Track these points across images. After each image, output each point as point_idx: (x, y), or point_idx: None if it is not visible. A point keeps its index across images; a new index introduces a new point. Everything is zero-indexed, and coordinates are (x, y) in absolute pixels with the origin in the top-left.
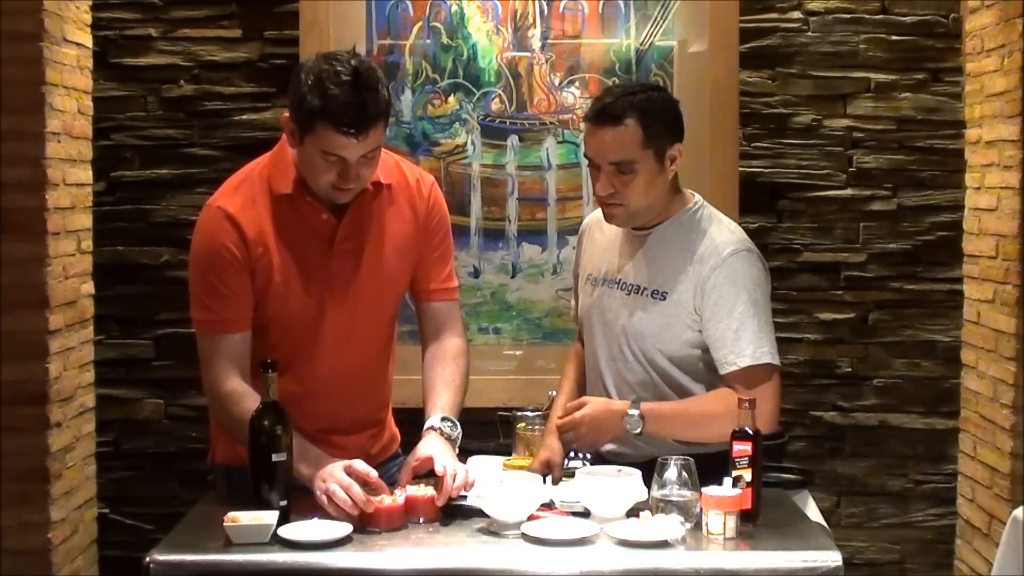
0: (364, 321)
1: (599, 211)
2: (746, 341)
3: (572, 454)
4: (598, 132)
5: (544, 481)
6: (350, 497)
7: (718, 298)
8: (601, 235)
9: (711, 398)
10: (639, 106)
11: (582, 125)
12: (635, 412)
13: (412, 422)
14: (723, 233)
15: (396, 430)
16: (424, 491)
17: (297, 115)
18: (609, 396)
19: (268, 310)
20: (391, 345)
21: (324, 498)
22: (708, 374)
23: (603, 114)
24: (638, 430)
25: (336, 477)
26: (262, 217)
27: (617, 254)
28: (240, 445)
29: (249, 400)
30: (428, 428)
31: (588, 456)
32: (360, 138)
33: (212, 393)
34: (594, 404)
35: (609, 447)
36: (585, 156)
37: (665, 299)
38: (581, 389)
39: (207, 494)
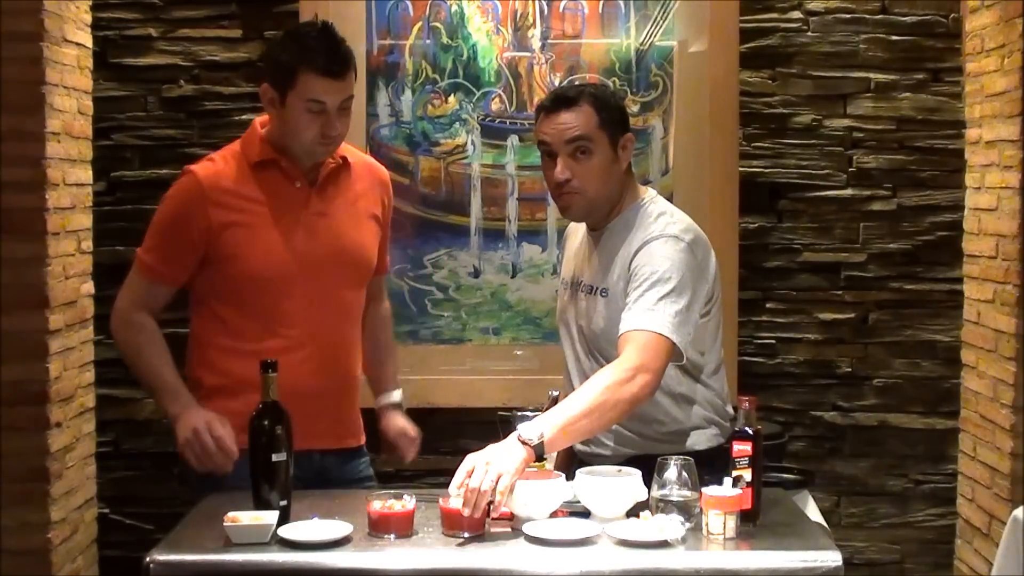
0: (336, 286)
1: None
2: (641, 309)
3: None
4: (554, 115)
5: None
6: (209, 454)
7: (634, 275)
8: (575, 239)
9: (593, 384)
10: (591, 93)
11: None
12: (529, 425)
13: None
14: (659, 223)
15: (361, 425)
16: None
17: (277, 75)
18: None
19: (245, 268)
20: (360, 317)
21: (187, 448)
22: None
23: (558, 99)
24: (536, 435)
25: (201, 431)
26: (236, 184)
27: (581, 257)
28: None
29: (151, 334)
30: (394, 404)
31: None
32: (339, 79)
33: (121, 316)
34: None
35: (581, 447)
36: (540, 146)
37: (607, 295)
38: None
39: (207, 494)
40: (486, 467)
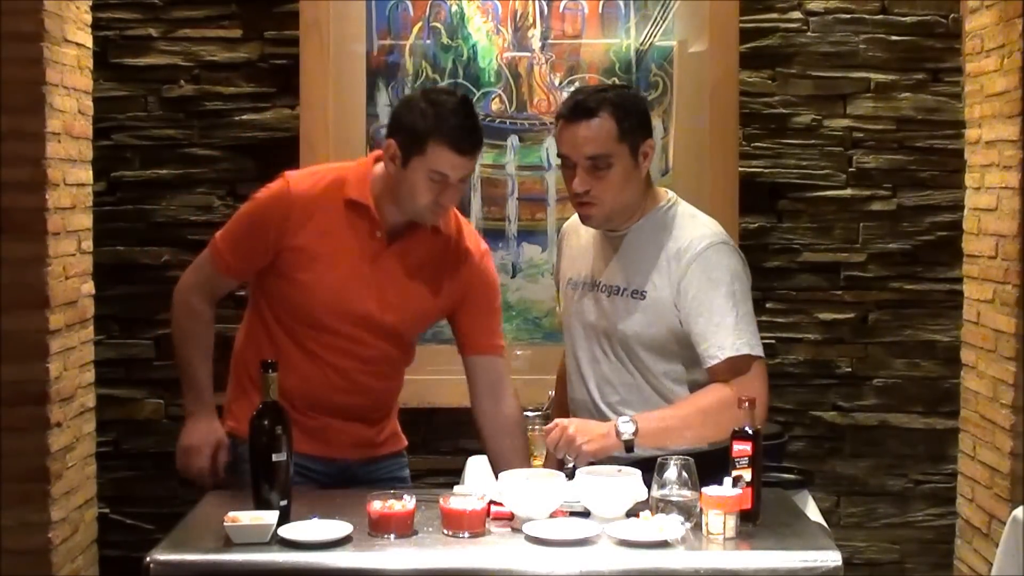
0: (382, 339)
1: (577, 215)
2: (725, 334)
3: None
4: (573, 127)
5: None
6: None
7: (696, 293)
8: (578, 238)
9: (699, 397)
10: (612, 101)
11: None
12: (626, 418)
13: (412, 423)
14: (697, 228)
15: (399, 429)
16: (466, 504)
17: (408, 138)
18: (591, 398)
19: (297, 295)
20: (403, 366)
21: (183, 456)
22: (690, 373)
23: (577, 109)
24: (632, 430)
25: (201, 456)
26: (324, 212)
27: (595, 257)
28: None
29: (201, 325)
30: None
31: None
32: (469, 158)
33: (183, 296)
34: (575, 421)
35: None
36: (559, 155)
37: (645, 298)
38: (562, 407)
39: (207, 494)
40: (578, 443)
